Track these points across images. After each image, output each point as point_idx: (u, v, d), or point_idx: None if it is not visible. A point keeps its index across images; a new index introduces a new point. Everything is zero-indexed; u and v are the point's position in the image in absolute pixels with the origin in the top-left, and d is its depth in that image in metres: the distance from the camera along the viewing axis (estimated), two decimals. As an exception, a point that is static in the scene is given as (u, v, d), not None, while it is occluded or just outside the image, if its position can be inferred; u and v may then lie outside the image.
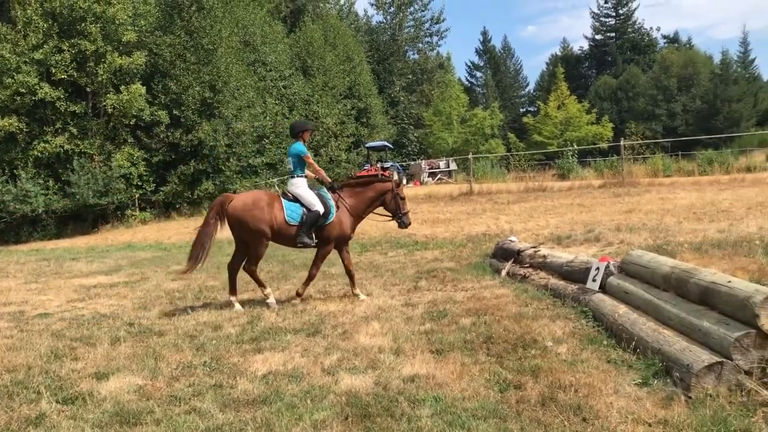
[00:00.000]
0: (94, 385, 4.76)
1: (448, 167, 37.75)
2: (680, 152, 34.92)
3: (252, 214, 7.41)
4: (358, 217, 7.93)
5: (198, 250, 7.69)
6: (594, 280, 6.37)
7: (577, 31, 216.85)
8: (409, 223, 8.24)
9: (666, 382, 4.06)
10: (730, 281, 4.29)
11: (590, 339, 5.18)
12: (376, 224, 16.15)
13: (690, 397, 3.78)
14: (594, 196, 17.69)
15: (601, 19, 79.37)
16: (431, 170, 37.40)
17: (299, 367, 4.96)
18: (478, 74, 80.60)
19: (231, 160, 27.30)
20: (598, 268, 6.40)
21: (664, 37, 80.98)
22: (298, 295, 7.85)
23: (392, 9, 54.23)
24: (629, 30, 77.57)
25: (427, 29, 55.62)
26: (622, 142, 23.69)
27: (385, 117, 46.24)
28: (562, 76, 54.47)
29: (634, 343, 4.72)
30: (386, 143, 39.45)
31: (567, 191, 20.21)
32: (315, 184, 8.47)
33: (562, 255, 7.94)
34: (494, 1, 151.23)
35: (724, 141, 42.85)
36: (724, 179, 18.58)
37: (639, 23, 78.30)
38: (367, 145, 38.49)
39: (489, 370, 4.61)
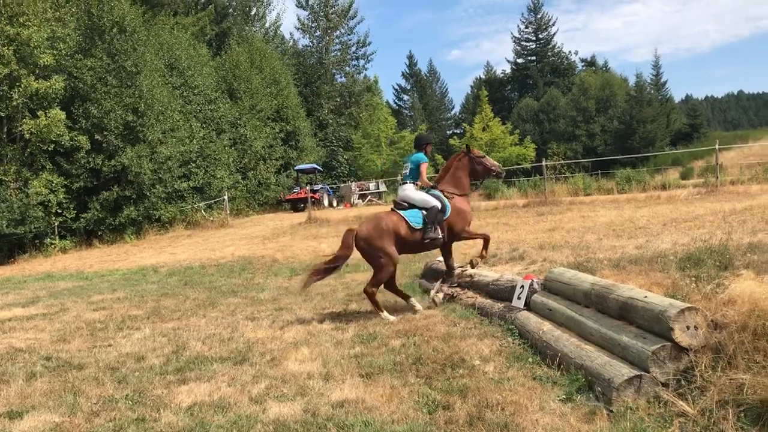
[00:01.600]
0: (6, 425, 4.51)
1: (378, 189, 37.95)
2: (600, 171, 36.20)
3: (379, 241, 7.59)
4: (468, 197, 8.44)
5: (317, 275, 7.83)
6: (519, 298, 6.50)
7: (500, 55, 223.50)
8: (503, 173, 8.75)
9: (589, 397, 4.16)
10: (646, 296, 4.45)
11: (516, 356, 5.27)
12: (306, 247, 16.11)
13: (611, 411, 3.89)
14: (519, 216, 18.10)
15: (522, 43, 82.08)
16: (361, 192, 37.52)
17: (226, 397, 4.84)
18: (406, 97, 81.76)
19: (157, 186, 26.61)
20: (522, 286, 6.54)
21: (582, 60, 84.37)
22: (475, 263, 8.39)
23: (318, 33, 54.45)
24: (549, 54, 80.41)
25: (354, 53, 56.05)
26: (544, 163, 24.41)
27: (313, 139, 46.19)
28: (486, 98, 55.79)
29: (558, 359, 4.84)
30: (316, 166, 39.37)
31: (493, 211, 20.61)
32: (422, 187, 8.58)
33: (488, 274, 8.06)
34: (419, 26, 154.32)
35: (640, 160, 44.80)
36: (641, 197, 19.34)
37: (558, 47, 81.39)
38: (296, 168, 38.31)
39: (418, 391, 4.62)
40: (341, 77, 55.44)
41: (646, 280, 5.21)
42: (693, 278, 5.04)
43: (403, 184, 8.17)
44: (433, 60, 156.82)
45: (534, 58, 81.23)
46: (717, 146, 21.07)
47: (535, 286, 6.42)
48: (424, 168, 8.17)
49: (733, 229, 9.34)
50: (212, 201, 29.26)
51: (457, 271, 8.80)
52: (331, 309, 8.44)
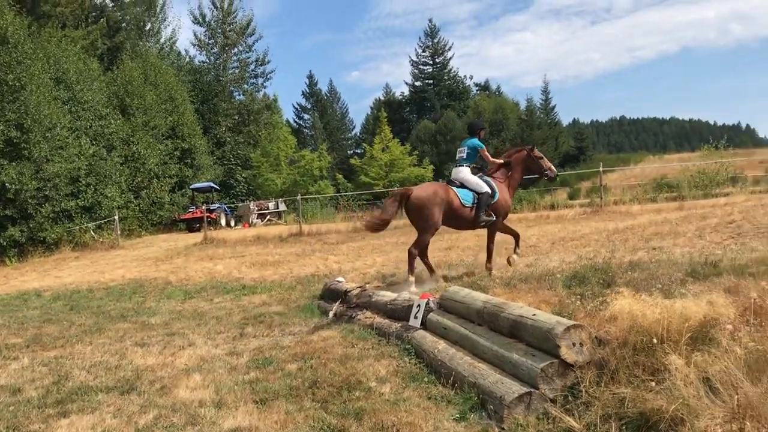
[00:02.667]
0: None
1: (278, 208, 37.52)
2: (495, 191, 37.38)
3: (431, 204, 8.22)
4: (514, 189, 9.18)
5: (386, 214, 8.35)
6: (416, 318, 6.56)
7: (399, 77, 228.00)
8: (556, 176, 9.23)
9: (482, 416, 4.23)
10: (535, 314, 4.59)
11: (412, 376, 5.30)
12: (202, 269, 15.65)
13: (503, 428, 3.97)
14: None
15: (419, 66, 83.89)
16: (260, 211, 36.96)
17: (110, 430, 4.59)
18: (306, 116, 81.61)
19: (45, 205, 25.14)
20: (419, 306, 6.61)
21: (476, 85, 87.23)
22: (488, 269, 8.68)
23: (216, 49, 53.50)
24: (445, 78, 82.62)
25: (252, 70, 55.44)
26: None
27: (210, 157, 45.11)
28: (386, 119, 56.55)
29: (452, 378, 4.90)
30: (212, 184, 38.47)
31: (393, 230, 20.80)
32: (475, 171, 9.10)
33: (386, 294, 8.11)
34: (320, 47, 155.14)
35: (531, 181, 46.62)
36: (531, 216, 20.09)
37: (454, 72, 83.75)
38: (192, 187, 37.29)
39: (314, 416, 4.55)
40: (240, 95, 54.65)
41: (536, 298, 5.39)
42: (578, 296, 5.26)
43: (459, 166, 8.84)
44: (333, 80, 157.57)
45: (431, 81, 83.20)
46: (601, 168, 22.22)
47: (431, 305, 6.51)
48: (485, 152, 8.94)
49: (616, 247, 9.85)
50: (102, 221, 27.94)
51: (356, 291, 8.80)
52: (226, 333, 8.21)
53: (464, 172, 8.79)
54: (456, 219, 8.60)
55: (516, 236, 9.24)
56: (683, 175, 29.08)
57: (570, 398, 4.01)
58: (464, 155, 8.97)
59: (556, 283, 6.02)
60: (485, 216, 8.47)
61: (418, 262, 8.85)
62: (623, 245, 9.98)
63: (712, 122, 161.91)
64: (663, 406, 3.44)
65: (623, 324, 4.14)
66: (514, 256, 9.10)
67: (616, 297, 4.46)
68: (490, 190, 8.56)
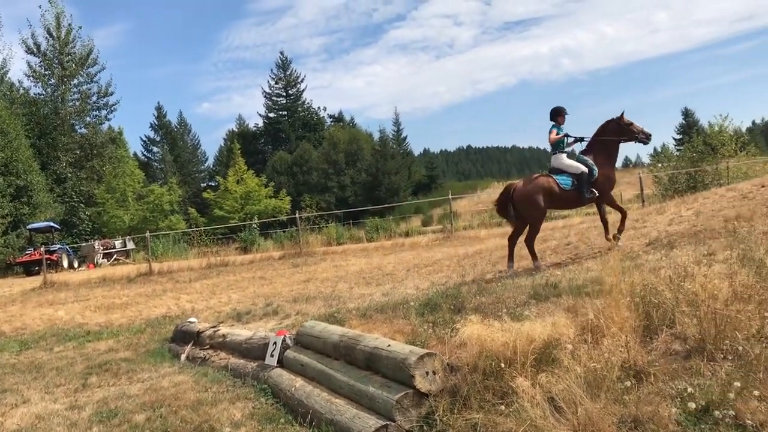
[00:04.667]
0: None
1: (125, 246, 35.60)
2: (351, 221, 37.79)
3: (535, 196, 8.74)
4: (613, 161, 9.27)
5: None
6: (272, 356, 6.39)
7: (252, 109, 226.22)
8: (649, 138, 9.22)
9: (340, 453, 4.16)
10: (389, 345, 4.62)
11: (269, 418, 5.13)
12: (41, 316, 14.43)
13: (361, 464, 3.92)
14: (275, 268, 18.09)
15: (272, 98, 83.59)
16: (106, 251, 34.86)
17: None
18: (155, 149, 78.57)
19: None
20: (275, 343, 6.45)
21: (331, 116, 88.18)
22: (615, 238, 8.92)
23: (53, 80, 50.20)
24: (299, 109, 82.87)
25: (95, 102, 52.58)
26: (297, 215, 24.84)
27: (50, 195, 42.09)
28: (239, 151, 55.65)
29: (310, 416, 4.80)
30: (52, 223, 35.81)
31: (249, 264, 20.38)
32: (574, 153, 9.32)
33: (241, 332, 7.87)
34: (168, 78, 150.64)
35: (387, 209, 47.56)
36: (387, 244, 20.48)
37: (308, 103, 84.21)
38: (29, 227, 34.51)
39: (163, 470, 4.27)
40: (82, 128, 51.57)
41: (390, 328, 5.43)
42: (431, 324, 5.36)
43: (554, 154, 9.19)
44: (183, 112, 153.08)
45: (285, 112, 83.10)
46: (450, 196, 23.11)
47: (288, 341, 6.38)
48: (551, 134, 9.16)
49: (466, 271, 10.22)
50: None
51: (209, 331, 8.48)
52: (67, 385, 7.58)
53: (557, 159, 9.15)
54: (562, 202, 9.17)
55: (623, 214, 9.35)
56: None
57: (425, 428, 4.05)
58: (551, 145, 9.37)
59: (410, 311, 6.10)
60: (588, 194, 8.86)
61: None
62: (473, 269, 10.35)
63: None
64: (513, 428, 3.55)
65: (473, 350, 4.25)
66: (619, 236, 9.10)
67: (466, 323, 4.58)
68: (587, 169, 8.87)
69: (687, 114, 75.75)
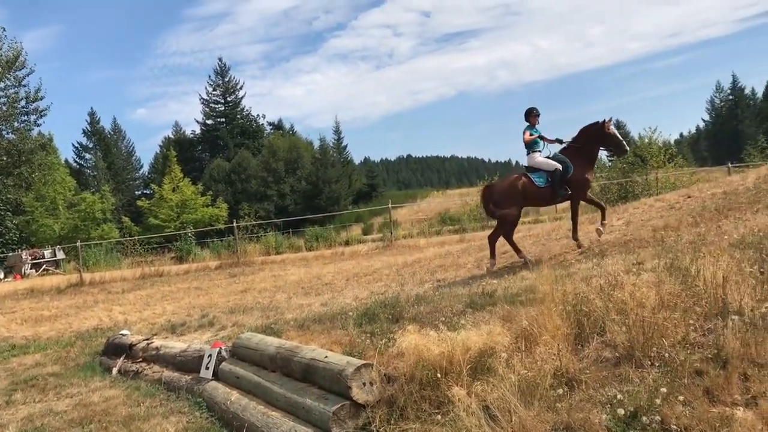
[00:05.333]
0: None
1: (55, 256, 34.39)
2: (291, 230, 37.46)
3: (512, 193, 9.07)
4: (591, 162, 9.39)
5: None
6: (207, 368, 6.27)
7: (189, 116, 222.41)
8: (626, 152, 9.77)
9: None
10: (326, 356, 4.59)
11: (203, 432, 5.03)
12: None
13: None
14: (211, 278, 17.78)
15: (210, 105, 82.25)
16: (35, 261, 33.59)
17: None
18: (88, 156, 76.16)
19: None
20: (210, 355, 6.33)
21: (270, 124, 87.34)
22: (599, 232, 9.11)
23: (-23, 84, 48.16)
24: (238, 116, 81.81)
25: (23, 107, 50.60)
26: (235, 224, 24.49)
27: (-27, 203, 40.38)
28: (175, 158, 54.56)
29: (245, 430, 4.72)
30: (-25, 233, 34.37)
31: (184, 275, 19.97)
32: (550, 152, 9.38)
33: (176, 345, 7.70)
34: (102, 83, 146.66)
35: (327, 218, 47.39)
36: (327, 253, 20.39)
37: (247, 110, 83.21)
38: (-50, 237, 33.01)
39: (90, 490, 4.12)
40: (9, 134, 49.54)
41: (328, 339, 5.40)
42: (369, 334, 5.35)
43: (528, 155, 9.33)
44: (117, 118, 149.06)
45: (223, 119, 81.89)
46: (390, 205, 23.22)
47: (224, 353, 6.27)
48: (524, 134, 9.27)
49: (405, 280, 10.27)
50: None
51: (142, 344, 8.26)
52: (-11, 403, 7.24)
53: (531, 159, 9.30)
54: (537, 199, 9.46)
55: (602, 209, 9.50)
56: (464, 209, 31.32)
57: (363, 439, 4.03)
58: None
59: (348, 322, 6.08)
60: (561, 190, 9.00)
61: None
62: (411, 278, 10.41)
63: (486, 159, 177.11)
64: (448, 437, 3.57)
65: (410, 360, 4.26)
66: (600, 228, 9.19)
67: (403, 333, 4.59)
68: (561, 166, 8.98)
69: (619, 126, 77.99)
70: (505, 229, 9.41)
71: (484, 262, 10.20)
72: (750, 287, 4.53)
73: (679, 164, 28.40)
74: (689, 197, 10.57)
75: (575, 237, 9.36)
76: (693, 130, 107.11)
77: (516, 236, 11.69)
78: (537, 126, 9.45)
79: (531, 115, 9.49)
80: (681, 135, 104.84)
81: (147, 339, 8.43)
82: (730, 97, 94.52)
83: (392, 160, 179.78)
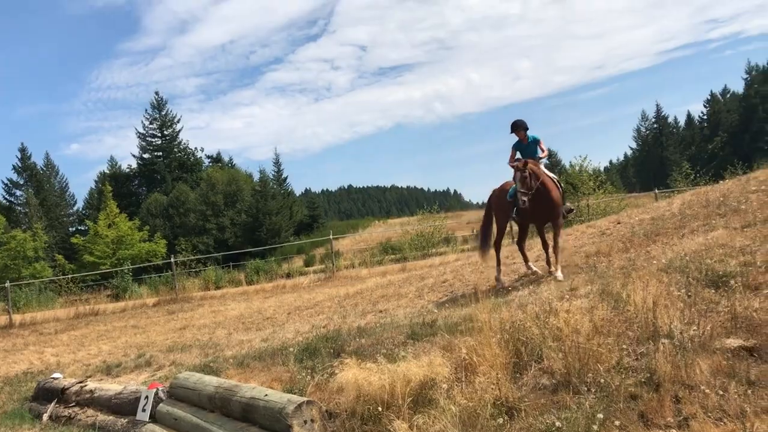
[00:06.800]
0: None
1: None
2: (231, 263, 36.86)
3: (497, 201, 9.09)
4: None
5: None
6: (144, 410, 6.08)
7: (125, 150, 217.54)
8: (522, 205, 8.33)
9: None
10: (266, 395, 4.51)
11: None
12: None
13: None
14: (149, 316, 17.31)
15: (147, 138, 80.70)
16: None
17: None
18: (19, 192, 73.52)
19: None
20: (147, 397, 6.15)
21: (208, 157, 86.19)
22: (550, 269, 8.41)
23: None
24: (176, 150, 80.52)
25: (-52, 144, 48.81)
26: (172, 259, 24.00)
27: None
28: (111, 194, 53.22)
29: (183, 474, 4.59)
30: None
31: (121, 312, 19.40)
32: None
33: (111, 387, 7.44)
34: (34, 118, 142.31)
35: (269, 251, 46.86)
36: (268, 287, 20.14)
37: (184, 144, 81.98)
38: None
39: None
40: (-69, 171, 47.58)
41: (269, 376, 5.32)
42: (309, 369, 5.30)
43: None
44: (50, 153, 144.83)
45: (161, 153, 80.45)
46: (331, 236, 23.18)
47: (161, 394, 6.10)
48: (510, 153, 8.86)
49: (347, 312, 10.22)
50: None
51: (75, 387, 7.95)
52: None
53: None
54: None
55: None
56: (405, 238, 31.50)
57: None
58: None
59: (289, 358, 6.01)
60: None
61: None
62: (354, 310, 10.37)
63: (426, 189, 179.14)
64: (390, 472, 3.56)
65: (351, 394, 4.24)
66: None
67: (343, 368, 4.57)
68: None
69: (550, 155, 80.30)
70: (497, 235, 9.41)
71: (424, 291, 10.27)
72: (678, 310, 4.70)
73: (609, 191, 29.33)
74: (619, 223, 10.92)
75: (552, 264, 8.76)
76: (621, 158, 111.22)
77: (455, 264, 11.82)
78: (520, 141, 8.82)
79: (514, 130, 8.86)
80: (610, 162, 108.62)
81: (81, 382, 8.12)
82: (655, 125, 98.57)
83: (333, 190, 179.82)
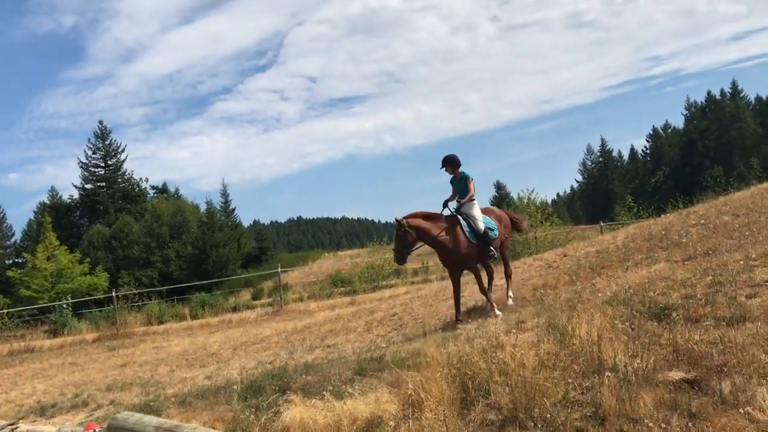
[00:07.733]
0: None
1: None
2: (176, 297, 36.04)
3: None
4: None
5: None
6: (78, 454, 5.81)
7: (66, 180, 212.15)
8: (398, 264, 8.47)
9: None
10: (208, 435, 4.36)
11: None
12: None
13: None
14: (88, 353, 16.72)
15: (90, 168, 78.86)
16: None
17: None
18: (-49, 224, 70.88)
19: None
20: (83, 440, 5.88)
21: (153, 187, 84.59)
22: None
23: None
24: (120, 180, 78.85)
25: None
26: (114, 293, 23.35)
27: None
28: (51, 225, 51.66)
29: None
30: None
31: (59, 349, 18.69)
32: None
33: (45, 429, 7.10)
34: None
35: (215, 284, 46.04)
36: (214, 321, 19.74)
37: (129, 174, 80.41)
38: None
39: None
40: None
41: (211, 416, 5.16)
42: (254, 408, 5.15)
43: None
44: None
45: (104, 184, 78.67)
46: (279, 269, 22.94)
47: (98, 437, 5.84)
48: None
49: (295, 348, 10.07)
50: None
51: (6, 431, 7.55)
52: None
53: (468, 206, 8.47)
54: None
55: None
56: (354, 270, 31.37)
57: None
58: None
59: (232, 396, 5.84)
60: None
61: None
62: (301, 345, 10.23)
63: (376, 220, 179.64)
64: None
65: (296, 434, 4.13)
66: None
67: (289, 406, 4.46)
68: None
69: (499, 187, 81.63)
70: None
71: (373, 325, 10.20)
72: (623, 343, 4.76)
73: (556, 223, 29.85)
74: (565, 256, 11.11)
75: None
76: (568, 190, 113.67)
77: (405, 297, 11.81)
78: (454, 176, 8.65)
79: (448, 165, 8.64)
80: (557, 195, 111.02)
81: (12, 424, 7.72)
82: (600, 159, 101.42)
83: (282, 222, 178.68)
